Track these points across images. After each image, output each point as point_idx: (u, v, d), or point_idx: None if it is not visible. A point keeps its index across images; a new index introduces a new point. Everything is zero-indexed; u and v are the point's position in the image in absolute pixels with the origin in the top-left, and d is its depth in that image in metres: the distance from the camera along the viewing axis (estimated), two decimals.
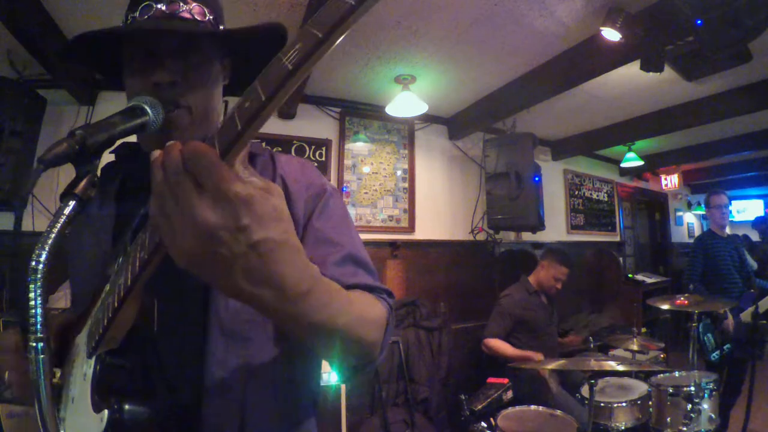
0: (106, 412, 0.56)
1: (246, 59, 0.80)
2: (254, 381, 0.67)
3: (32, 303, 0.45)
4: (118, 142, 0.60)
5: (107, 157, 0.74)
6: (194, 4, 0.72)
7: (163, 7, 0.69)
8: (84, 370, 0.63)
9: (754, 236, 6.85)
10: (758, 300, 2.72)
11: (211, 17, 0.74)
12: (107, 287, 0.62)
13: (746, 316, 2.72)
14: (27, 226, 2.32)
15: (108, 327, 0.55)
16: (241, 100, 0.38)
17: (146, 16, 0.69)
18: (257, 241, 0.38)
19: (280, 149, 3.06)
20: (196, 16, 0.71)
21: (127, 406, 0.57)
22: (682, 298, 2.61)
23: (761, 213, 7.00)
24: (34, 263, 0.45)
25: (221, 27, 0.77)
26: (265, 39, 0.75)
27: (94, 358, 0.61)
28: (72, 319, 0.77)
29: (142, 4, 0.70)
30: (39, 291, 0.45)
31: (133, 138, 0.77)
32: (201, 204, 0.36)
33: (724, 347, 2.81)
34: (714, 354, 2.81)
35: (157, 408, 0.60)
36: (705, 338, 2.82)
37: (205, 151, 0.36)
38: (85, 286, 0.72)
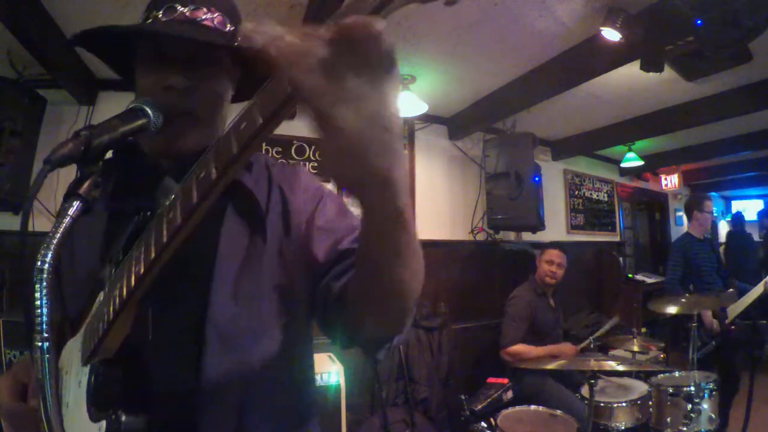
0: (104, 422, 0.57)
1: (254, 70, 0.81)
2: (252, 387, 0.66)
3: (38, 303, 0.46)
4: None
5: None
6: (217, 13, 0.71)
7: (187, 12, 0.69)
8: (79, 377, 0.63)
9: (755, 234, 6.85)
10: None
11: (231, 28, 0.73)
12: (101, 296, 0.61)
13: (731, 313, 2.74)
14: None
15: (103, 337, 0.55)
16: (218, 142, 0.41)
17: (168, 18, 0.68)
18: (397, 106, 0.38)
19: (280, 149, 3.06)
20: (217, 26, 0.71)
21: (124, 417, 0.57)
22: (683, 300, 2.61)
23: (761, 210, 6.98)
24: (39, 263, 0.46)
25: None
26: None
27: (88, 367, 0.61)
28: (60, 320, 0.77)
29: (166, 5, 0.69)
30: (45, 291, 0.46)
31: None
32: (381, 68, 0.34)
33: (710, 344, 2.82)
34: (699, 352, 2.82)
35: (154, 418, 0.60)
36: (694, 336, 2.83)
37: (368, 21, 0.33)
38: (75, 289, 0.72)
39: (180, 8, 0.68)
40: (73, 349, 0.67)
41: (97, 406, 0.59)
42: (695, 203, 3.30)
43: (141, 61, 0.71)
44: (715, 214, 3.34)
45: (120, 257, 0.61)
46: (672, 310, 2.59)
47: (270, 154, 3.02)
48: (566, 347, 2.71)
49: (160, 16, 0.69)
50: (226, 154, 0.42)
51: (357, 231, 0.68)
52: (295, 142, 3.11)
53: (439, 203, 3.65)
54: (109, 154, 0.79)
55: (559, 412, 2.17)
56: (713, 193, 7.64)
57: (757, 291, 2.66)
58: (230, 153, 0.41)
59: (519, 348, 2.70)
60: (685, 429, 2.15)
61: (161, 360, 0.63)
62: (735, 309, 2.76)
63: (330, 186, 0.78)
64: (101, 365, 0.61)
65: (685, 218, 7.36)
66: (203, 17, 0.69)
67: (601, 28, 2.07)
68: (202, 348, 0.63)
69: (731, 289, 3.04)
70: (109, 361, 0.60)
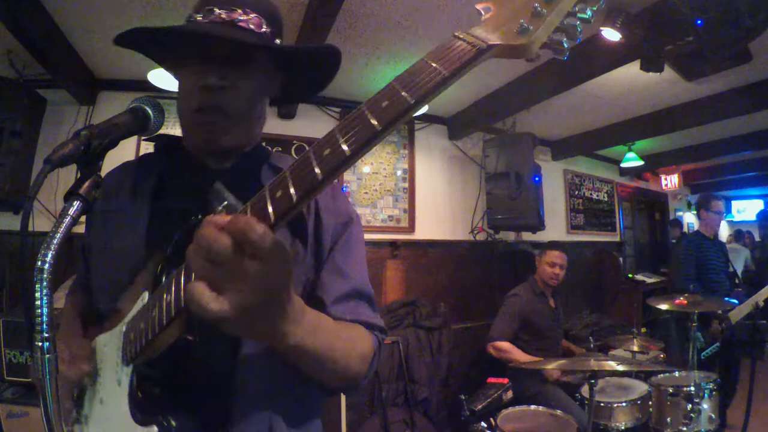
0: (155, 428, 0.56)
1: (295, 74, 0.82)
2: (280, 380, 0.68)
3: (38, 303, 0.46)
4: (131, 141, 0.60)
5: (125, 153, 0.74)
6: (253, 15, 0.73)
7: (224, 14, 0.71)
8: (118, 375, 0.63)
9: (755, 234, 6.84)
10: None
11: (267, 30, 0.75)
12: (145, 295, 0.61)
13: (735, 316, 2.73)
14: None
15: (153, 340, 0.55)
16: (298, 165, 0.41)
17: (207, 20, 0.71)
18: (290, 290, 0.46)
19: (280, 149, 3.06)
20: (253, 27, 0.73)
21: (174, 422, 0.57)
22: (681, 298, 2.62)
23: (761, 211, 6.97)
24: (40, 263, 0.46)
25: (278, 41, 0.78)
26: (317, 58, 0.79)
27: (131, 367, 0.61)
28: (89, 311, 0.78)
29: (205, 8, 0.72)
30: (45, 291, 0.46)
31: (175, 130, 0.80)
32: (266, 270, 0.40)
33: (713, 346, 2.82)
34: (703, 353, 2.81)
35: (202, 421, 0.60)
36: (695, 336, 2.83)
37: (258, 230, 0.38)
38: (110, 280, 0.72)
39: (217, 10, 0.71)
40: (109, 344, 0.66)
41: (142, 410, 0.59)
42: (702, 202, 3.31)
43: (182, 63, 0.74)
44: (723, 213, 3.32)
45: (165, 259, 0.61)
46: (665, 306, 2.58)
47: None
48: (551, 370, 2.49)
49: (200, 18, 0.72)
50: (309, 178, 0.40)
51: (353, 285, 0.74)
52: (295, 142, 3.12)
53: (439, 203, 3.66)
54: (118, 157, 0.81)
55: (559, 412, 2.16)
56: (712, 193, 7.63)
57: (765, 293, 2.63)
58: (315, 179, 0.40)
59: (505, 345, 2.69)
60: (685, 429, 2.15)
61: (201, 360, 0.64)
62: (741, 311, 2.74)
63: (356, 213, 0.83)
64: (144, 366, 0.61)
65: (685, 218, 7.38)
66: (239, 19, 0.72)
67: (601, 28, 2.07)
68: (239, 345, 0.66)
69: (739, 289, 3.05)
70: (152, 361, 0.60)
